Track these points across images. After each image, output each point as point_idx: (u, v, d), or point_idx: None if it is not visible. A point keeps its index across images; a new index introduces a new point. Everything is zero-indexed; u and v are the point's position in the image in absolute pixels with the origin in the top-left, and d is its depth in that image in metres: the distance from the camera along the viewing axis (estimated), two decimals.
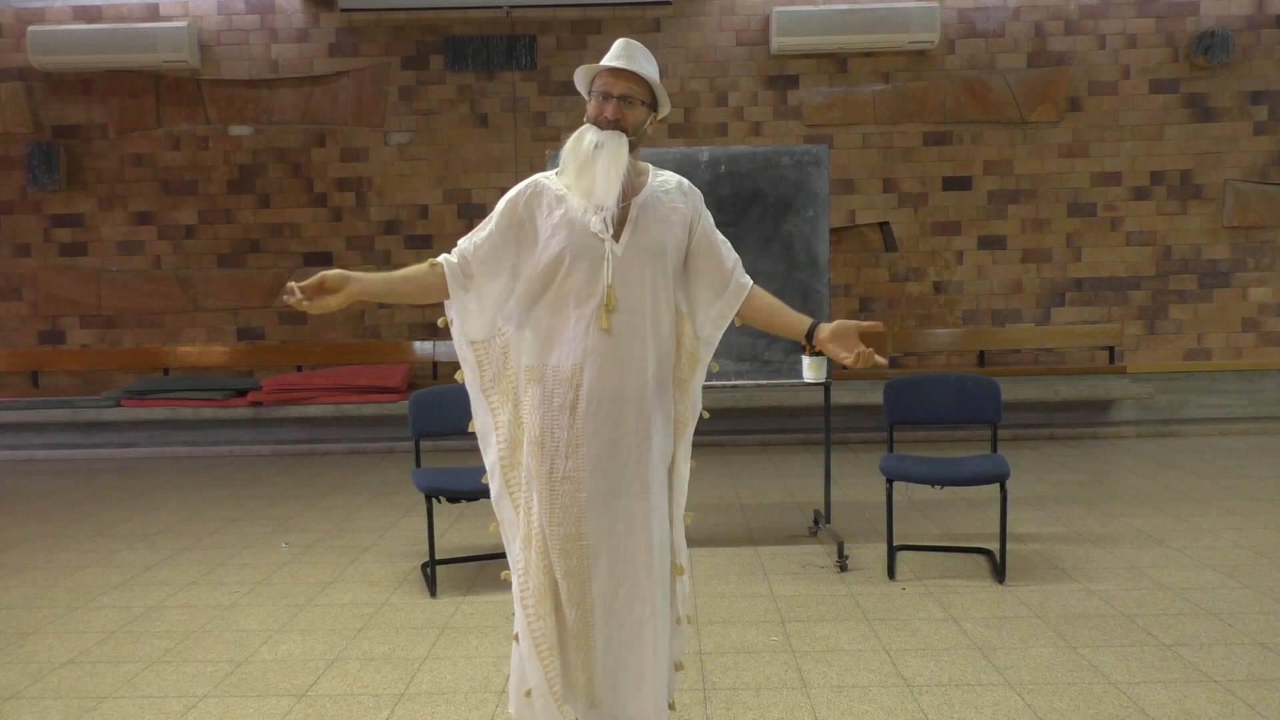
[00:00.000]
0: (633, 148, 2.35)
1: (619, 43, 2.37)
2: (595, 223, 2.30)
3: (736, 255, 2.49)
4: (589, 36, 7.93)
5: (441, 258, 2.37)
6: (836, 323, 2.35)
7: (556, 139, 7.98)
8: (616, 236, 2.33)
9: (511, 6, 7.71)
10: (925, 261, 8.00)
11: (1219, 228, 7.91)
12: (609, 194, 2.27)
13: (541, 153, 7.86)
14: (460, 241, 2.39)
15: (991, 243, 7.99)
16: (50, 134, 8.02)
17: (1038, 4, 7.83)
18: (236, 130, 8.04)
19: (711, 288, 2.43)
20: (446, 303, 2.40)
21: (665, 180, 2.44)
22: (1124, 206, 7.93)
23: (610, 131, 2.30)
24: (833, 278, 6.75)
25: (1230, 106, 7.83)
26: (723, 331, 2.46)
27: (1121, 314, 7.98)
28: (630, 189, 2.35)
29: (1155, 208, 7.93)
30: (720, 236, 2.47)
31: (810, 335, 2.37)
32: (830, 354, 2.34)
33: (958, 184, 7.96)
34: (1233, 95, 7.83)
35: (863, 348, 2.29)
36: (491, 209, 2.42)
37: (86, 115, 8.03)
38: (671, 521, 2.43)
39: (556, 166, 2.42)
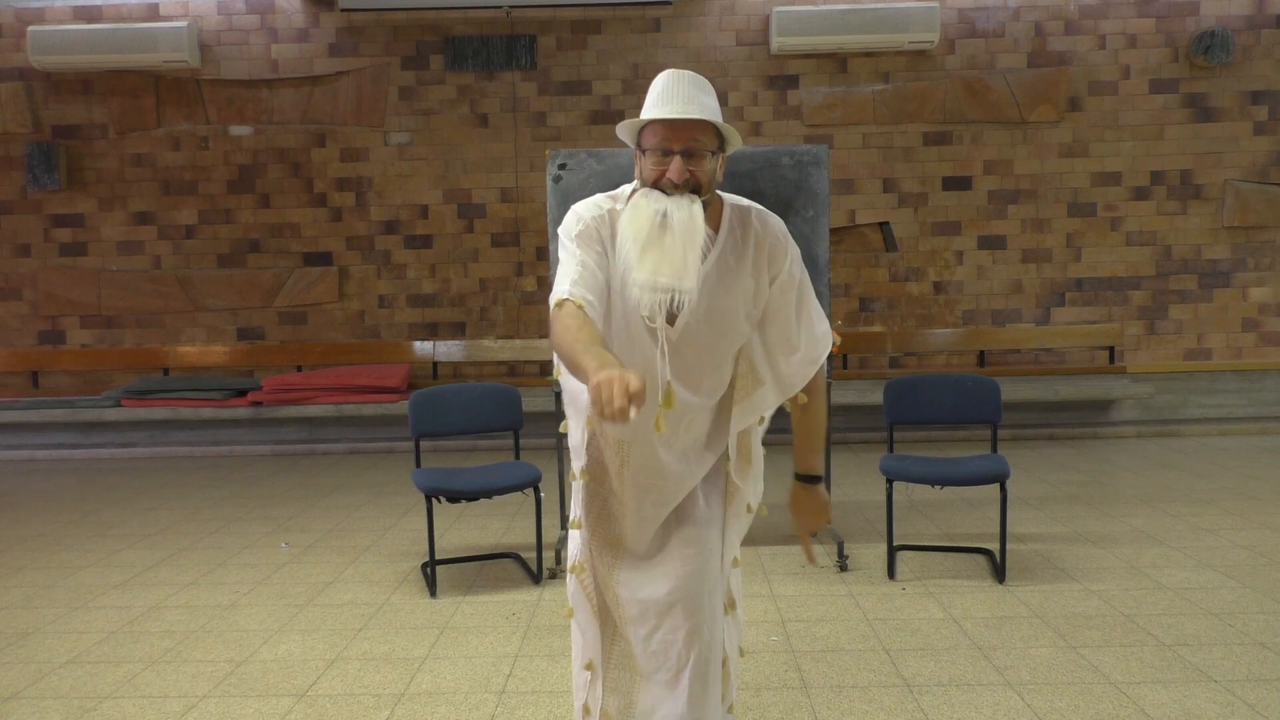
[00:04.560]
0: (706, 207, 1.89)
1: (666, 79, 1.90)
2: (646, 305, 1.87)
3: (817, 334, 2.07)
4: (589, 36, 7.93)
5: (572, 299, 1.83)
6: (806, 509, 2.23)
7: (557, 139, 7.99)
8: (672, 320, 1.95)
9: (511, 6, 7.71)
10: (925, 261, 8.00)
11: (1219, 228, 7.90)
12: (683, 278, 1.81)
13: (541, 153, 7.86)
14: (561, 288, 1.87)
15: (991, 243, 7.99)
16: (50, 134, 8.02)
17: (1038, 4, 7.83)
18: (236, 130, 8.04)
19: (769, 358, 2.08)
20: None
21: (744, 232, 2.01)
22: (1124, 206, 7.93)
23: (677, 197, 1.84)
24: (833, 278, 6.75)
25: (1230, 106, 7.83)
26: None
27: (1121, 314, 7.98)
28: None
29: (1155, 208, 7.93)
30: (808, 305, 2.06)
31: (801, 477, 2.22)
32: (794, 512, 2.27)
33: (958, 184, 7.96)
34: (1233, 95, 7.83)
35: (809, 537, 2.26)
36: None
37: (86, 115, 8.03)
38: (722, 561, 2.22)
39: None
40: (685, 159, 1.85)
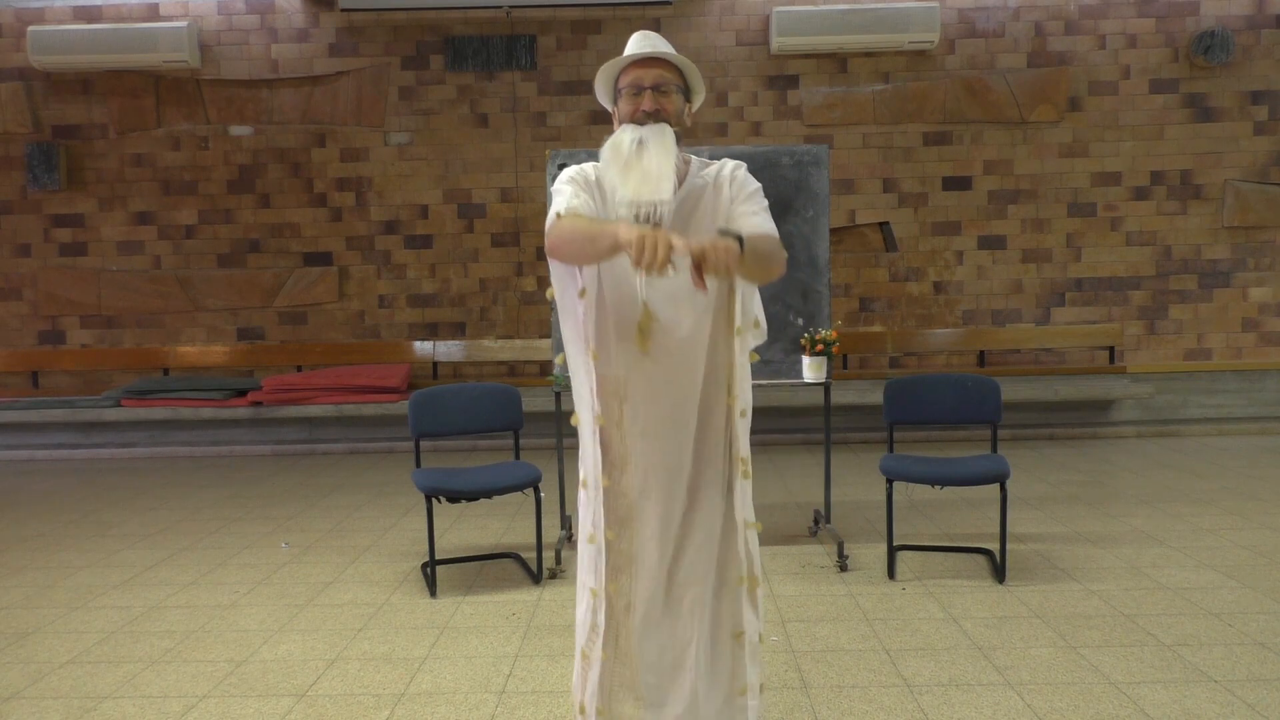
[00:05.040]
0: (677, 139, 2.14)
1: (637, 36, 2.22)
2: (629, 220, 2.09)
3: (769, 226, 2.17)
4: (589, 36, 7.93)
5: (570, 212, 2.06)
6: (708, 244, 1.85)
7: (557, 139, 7.99)
8: None
9: (511, 6, 7.71)
10: (925, 261, 8.00)
11: (1219, 228, 7.91)
12: (661, 190, 2.03)
13: (541, 153, 7.86)
14: (557, 210, 2.10)
15: (991, 243, 7.99)
16: (50, 134, 8.03)
17: (1038, 4, 7.83)
18: (236, 130, 8.04)
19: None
20: (567, 276, 2.16)
21: (707, 173, 2.24)
22: (1124, 206, 7.93)
23: (651, 125, 2.10)
24: (833, 278, 6.75)
25: (1230, 106, 7.83)
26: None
27: (1121, 314, 7.98)
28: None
29: (1155, 208, 7.93)
30: (757, 206, 2.19)
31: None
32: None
33: (958, 184, 7.96)
34: (1233, 95, 7.83)
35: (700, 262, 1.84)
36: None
37: (86, 115, 8.03)
38: (738, 529, 2.24)
39: (556, 167, 2.31)
40: (654, 93, 2.13)
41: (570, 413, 2.35)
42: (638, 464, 2.20)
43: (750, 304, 2.25)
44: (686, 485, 2.22)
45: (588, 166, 2.23)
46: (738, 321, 2.16)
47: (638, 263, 1.78)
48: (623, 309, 2.15)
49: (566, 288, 2.19)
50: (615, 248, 1.87)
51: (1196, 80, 7.83)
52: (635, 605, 2.21)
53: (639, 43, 2.18)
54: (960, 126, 7.92)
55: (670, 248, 1.76)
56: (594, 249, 1.93)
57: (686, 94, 2.21)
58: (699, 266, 1.84)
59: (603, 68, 2.20)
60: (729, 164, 2.25)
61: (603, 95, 2.26)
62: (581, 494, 2.27)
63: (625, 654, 2.25)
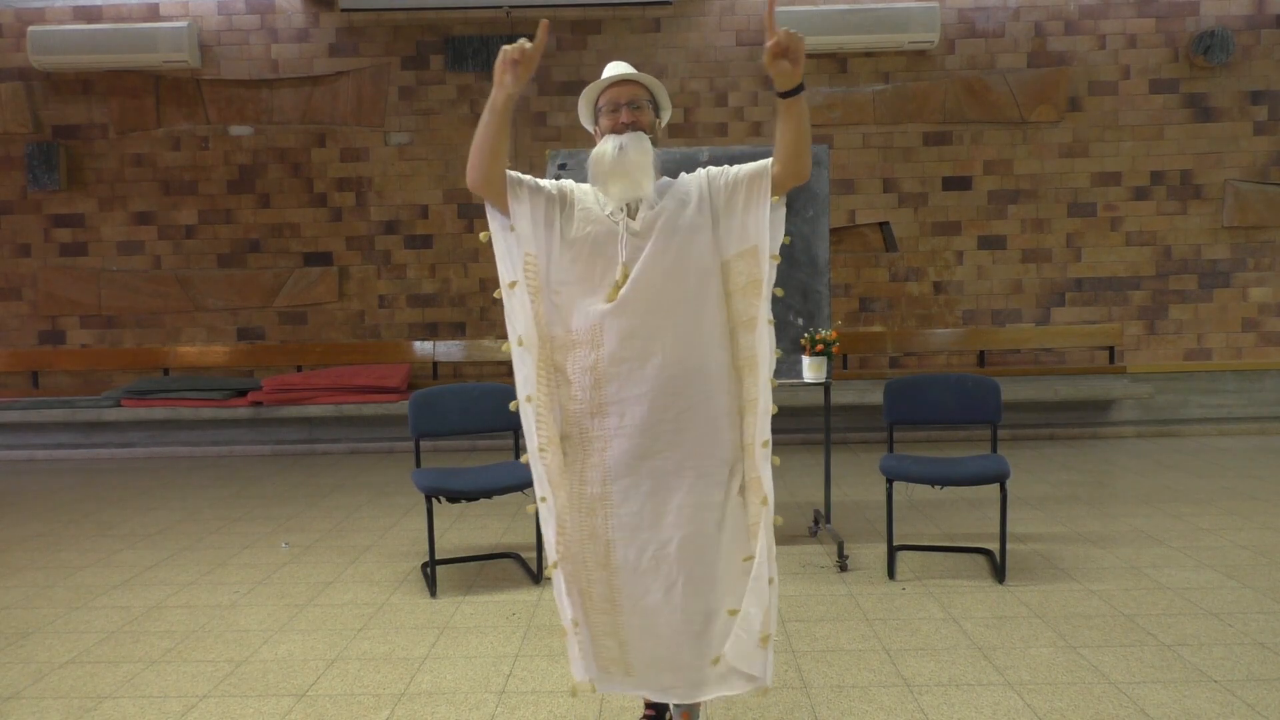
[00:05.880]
0: (652, 143, 2.43)
1: (610, 65, 2.52)
2: (610, 206, 2.40)
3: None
4: (589, 36, 7.93)
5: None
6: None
7: (557, 139, 7.99)
8: (633, 217, 2.42)
9: (511, 6, 7.71)
10: (925, 261, 8.00)
11: (1219, 228, 7.91)
12: (643, 185, 2.35)
13: (541, 153, 7.86)
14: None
15: (991, 243, 7.99)
16: (50, 134, 8.03)
17: (1038, 4, 7.83)
18: (236, 130, 8.04)
19: (740, 195, 2.45)
20: (497, 213, 2.37)
21: (682, 177, 2.53)
22: (1124, 206, 7.93)
23: (629, 134, 2.38)
24: (833, 278, 6.75)
25: (1230, 106, 7.83)
26: (758, 216, 2.41)
27: (1121, 314, 7.98)
28: None
29: (1155, 208, 7.93)
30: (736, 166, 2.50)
31: (790, 93, 2.42)
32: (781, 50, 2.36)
33: (958, 184, 7.96)
34: (1233, 95, 7.83)
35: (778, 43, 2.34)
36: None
37: (86, 115, 8.03)
38: (744, 473, 2.38)
39: (557, 168, 2.42)
40: (629, 108, 2.42)
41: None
42: (615, 405, 2.35)
43: (753, 228, 2.41)
44: (670, 424, 2.34)
45: (565, 180, 2.52)
46: (761, 243, 2.39)
47: (503, 63, 2.14)
48: (595, 272, 2.37)
49: (499, 226, 2.39)
50: (498, 92, 2.19)
51: (1196, 80, 7.84)
52: (615, 543, 2.35)
53: (613, 69, 2.49)
54: (960, 126, 7.92)
55: (521, 44, 2.14)
56: (488, 116, 2.24)
57: (656, 110, 2.51)
58: (776, 43, 2.23)
59: (583, 92, 2.49)
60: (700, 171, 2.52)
61: (585, 118, 2.55)
62: (526, 408, 2.38)
63: (605, 607, 2.38)
